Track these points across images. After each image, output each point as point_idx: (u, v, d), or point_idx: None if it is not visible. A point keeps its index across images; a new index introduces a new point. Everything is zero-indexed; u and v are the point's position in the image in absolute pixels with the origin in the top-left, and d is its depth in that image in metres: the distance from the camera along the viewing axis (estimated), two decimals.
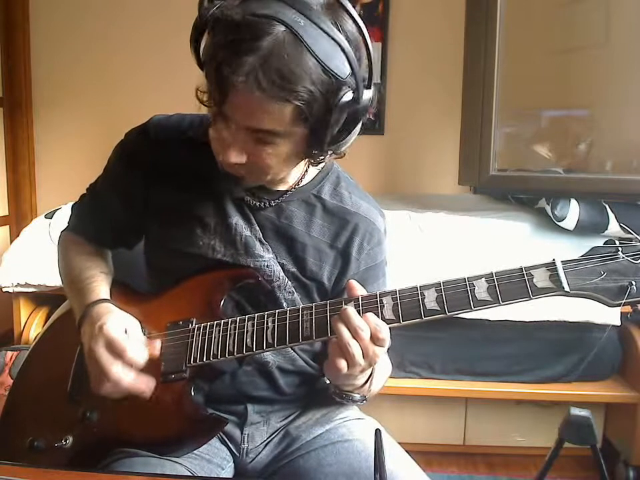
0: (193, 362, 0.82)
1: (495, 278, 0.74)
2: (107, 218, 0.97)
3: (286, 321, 0.79)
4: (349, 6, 0.72)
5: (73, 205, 1.04)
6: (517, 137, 2.36)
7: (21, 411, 0.95)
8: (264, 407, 0.97)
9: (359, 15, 0.71)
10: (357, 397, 0.88)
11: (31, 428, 0.91)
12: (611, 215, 1.82)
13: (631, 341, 1.84)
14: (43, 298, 1.96)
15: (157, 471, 0.83)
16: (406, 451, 0.92)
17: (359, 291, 0.79)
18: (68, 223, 1.04)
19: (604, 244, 0.76)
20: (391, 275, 1.00)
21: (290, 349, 0.94)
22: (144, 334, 0.85)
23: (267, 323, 0.80)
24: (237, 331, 0.81)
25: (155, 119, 0.93)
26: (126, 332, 0.80)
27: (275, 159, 0.78)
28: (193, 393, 0.84)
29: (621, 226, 1.81)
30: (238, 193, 0.89)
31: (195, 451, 0.89)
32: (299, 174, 0.91)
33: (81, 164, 2.63)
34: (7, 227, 2.84)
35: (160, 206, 0.92)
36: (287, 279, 0.91)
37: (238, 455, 0.96)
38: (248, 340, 0.80)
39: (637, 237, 0.76)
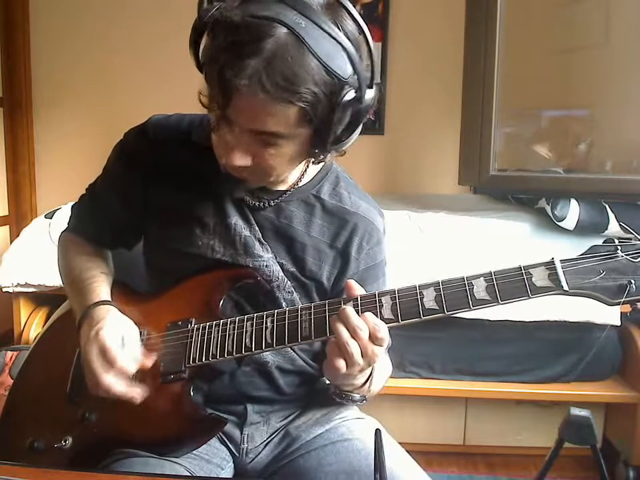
0: (192, 362, 0.82)
1: (493, 277, 0.74)
2: (106, 218, 0.97)
3: (285, 320, 0.79)
4: (349, 5, 0.71)
5: (72, 206, 1.04)
6: (517, 137, 2.36)
7: (21, 411, 0.95)
8: (264, 407, 0.97)
9: (359, 14, 0.71)
10: (357, 397, 0.89)
11: (31, 428, 0.91)
12: (611, 215, 1.82)
13: (630, 340, 1.84)
14: (43, 298, 1.96)
15: (157, 471, 0.83)
16: (406, 451, 0.92)
17: (358, 290, 0.78)
18: (68, 223, 1.04)
19: (603, 243, 0.76)
20: (390, 275, 1.00)
21: (289, 349, 0.94)
22: (142, 336, 0.85)
23: (266, 323, 0.80)
24: (236, 331, 0.81)
25: (153, 118, 0.93)
26: (123, 339, 0.81)
27: (278, 160, 0.78)
28: (192, 393, 0.84)
29: (621, 226, 1.81)
30: (237, 193, 0.89)
31: (194, 451, 0.89)
32: (298, 173, 0.91)
33: (81, 164, 2.62)
34: (7, 227, 2.84)
35: (159, 206, 0.92)
36: (286, 279, 0.91)
37: (238, 455, 0.96)
38: (247, 340, 0.80)
39: (637, 236, 0.76)
